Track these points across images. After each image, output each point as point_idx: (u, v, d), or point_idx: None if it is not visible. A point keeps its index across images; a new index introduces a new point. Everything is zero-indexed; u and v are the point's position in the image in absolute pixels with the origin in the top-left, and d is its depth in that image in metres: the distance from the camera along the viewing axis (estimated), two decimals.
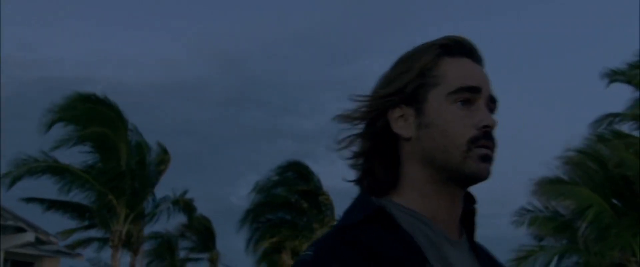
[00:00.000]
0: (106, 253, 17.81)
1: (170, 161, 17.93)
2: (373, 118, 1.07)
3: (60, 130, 16.15)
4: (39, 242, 13.71)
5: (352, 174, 1.09)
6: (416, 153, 1.04)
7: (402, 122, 1.05)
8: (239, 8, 45.07)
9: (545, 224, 14.00)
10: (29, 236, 13.23)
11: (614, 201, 13.47)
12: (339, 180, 1.12)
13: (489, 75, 1.08)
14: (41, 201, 16.52)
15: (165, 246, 21.28)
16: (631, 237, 12.94)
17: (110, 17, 44.95)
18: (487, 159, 1.03)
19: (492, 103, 1.07)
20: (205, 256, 22.79)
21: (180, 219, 19.85)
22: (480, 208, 1.11)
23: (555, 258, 14.00)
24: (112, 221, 16.50)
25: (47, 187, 16.11)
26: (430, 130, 1.03)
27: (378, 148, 1.06)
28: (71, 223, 17.28)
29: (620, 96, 14.35)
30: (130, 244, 17.29)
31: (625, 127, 14.11)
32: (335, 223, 1.05)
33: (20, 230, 13.20)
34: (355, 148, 1.08)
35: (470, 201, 1.10)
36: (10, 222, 13.00)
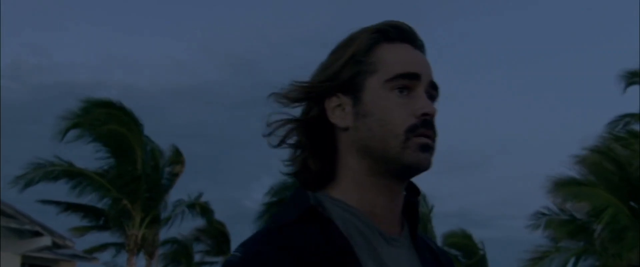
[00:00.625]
0: (122, 257, 17.95)
1: (185, 164, 17.99)
2: (309, 107, 1.03)
3: (76, 136, 16.29)
4: (55, 246, 13.85)
5: (289, 167, 1.05)
6: (354, 144, 1.00)
7: (339, 112, 1.00)
8: (249, 11, 45.26)
9: (561, 227, 13.81)
10: (46, 240, 13.37)
11: (631, 203, 13.25)
12: None
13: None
14: (57, 203, 16.67)
15: (182, 250, 21.38)
16: None
17: (122, 22, 45.59)
18: (427, 149, 0.97)
19: (433, 90, 1.02)
20: (220, 259, 22.85)
21: (195, 223, 19.92)
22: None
23: (572, 260, 13.81)
24: (128, 225, 16.60)
25: (63, 191, 16.28)
26: (368, 119, 0.98)
27: (315, 139, 1.02)
28: (86, 224, 17.43)
29: (637, 97, 14.14)
30: (146, 247, 17.38)
31: None
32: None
33: (37, 234, 13.35)
34: (291, 140, 1.04)
35: (414, 192, 1.06)
36: (27, 227, 13.14)
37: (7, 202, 13.01)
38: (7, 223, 12.67)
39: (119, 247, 17.99)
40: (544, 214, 14.21)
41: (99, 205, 16.77)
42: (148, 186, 16.73)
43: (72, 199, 16.52)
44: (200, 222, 19.88)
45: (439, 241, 22.51)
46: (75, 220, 17.20)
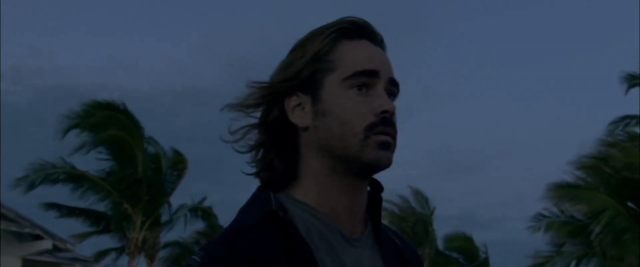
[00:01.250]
0: (123, 260, 17.95)
1: (187, 167, 17.97)
2: (268, 107, 1.02)
3: (77, 138, 16.32)
4: (56, 249, 13.87)
5: (250, 168, 1.04)
6: (314, 143, 0.99)
7: (298, 111, 1.00)
8: (250, 13, 45.36)
9: (562, 228, 13.79)
10: (46, 244, 13.40)
11: (630, 204, 13.22)
12: None
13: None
14: (58, 207, 16.68)
15: (183, 253, 21.36)
16: None
17: (123, 25, 45.68)
18: (387, 146, 0.97)
19: (393, 87, 1.01)
20: None
21: (197, 226, 19.91)
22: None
23: (573, 263, 13.79)
24: (128, 228, 16.61)
25: (64, 194, 16.30)
26: (327, 118, 0.97)
27: (275, 139, 1.01)
28: (87, 229, 17.43)
29: (637, 99, 14.12)
30: (146, 250, 17.37)
31: None
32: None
33: (37, 237, 13.38)
34: (251, 140, 1.03)
35: (377, 188, 1.05)
36: (27, 230, 13.17)
37: (7, 205, 13.04)
38: (7, 226, 12.70)
39: (120, 251, 17.99)
40: (544, 216, 14.19)
41: (100, 208, 16.81)
42: (149, 189, 16.74)
43: (74, 201, 16.55)
44: (202, 225, 19.90)
45: (441, 244, 22.42)
46: (76, 224, 17.22)
